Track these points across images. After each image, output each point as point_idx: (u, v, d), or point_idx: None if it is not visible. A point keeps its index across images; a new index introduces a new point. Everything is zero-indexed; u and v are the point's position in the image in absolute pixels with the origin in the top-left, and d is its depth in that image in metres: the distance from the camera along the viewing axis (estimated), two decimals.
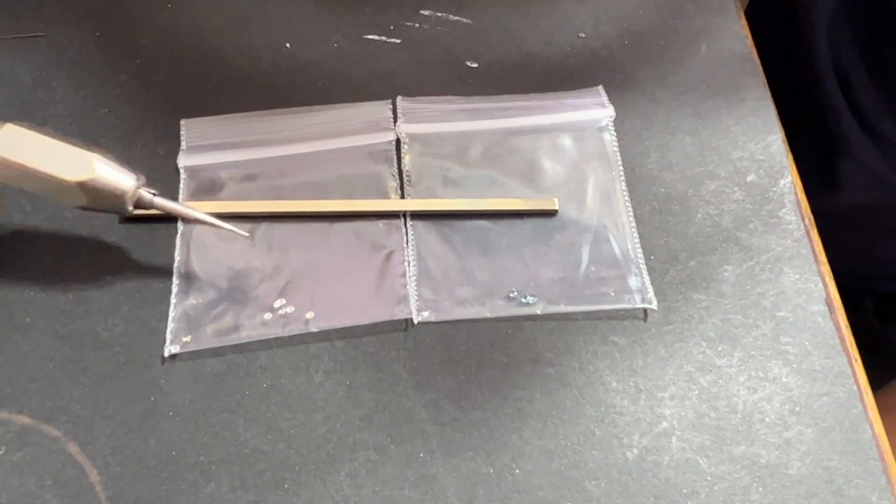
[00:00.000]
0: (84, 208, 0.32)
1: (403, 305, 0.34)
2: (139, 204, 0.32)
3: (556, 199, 0.37)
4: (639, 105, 0.41)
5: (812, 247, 0.36)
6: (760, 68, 0.42)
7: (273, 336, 0.34)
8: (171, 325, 0.34)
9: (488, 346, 0.34)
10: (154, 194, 0.33)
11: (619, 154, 0.39)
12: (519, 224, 0.37)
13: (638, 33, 0.43)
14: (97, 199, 0.31)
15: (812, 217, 0.38)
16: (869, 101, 0.49)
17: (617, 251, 0.36)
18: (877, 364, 0.40)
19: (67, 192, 0.31)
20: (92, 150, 0.32)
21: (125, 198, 0.32)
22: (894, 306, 0.58)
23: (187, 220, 0.33)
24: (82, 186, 0.31)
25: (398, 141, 0.39)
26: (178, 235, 0.36)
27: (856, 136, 0.50)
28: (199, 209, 0.36)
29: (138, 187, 0.32)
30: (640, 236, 0.36)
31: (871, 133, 0.49)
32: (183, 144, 0.39)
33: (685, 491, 0.31)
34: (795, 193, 0.38)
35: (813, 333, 0.34)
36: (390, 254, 0.36)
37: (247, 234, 0.33)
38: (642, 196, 0.38)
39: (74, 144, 0.32)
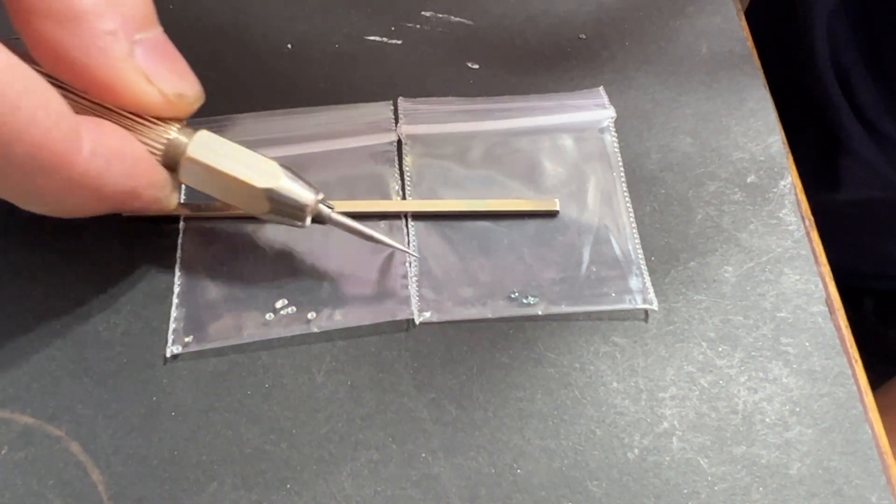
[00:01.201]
0: (265, 217, 0.33)
1: (405, 306, 0.34)
2: (317, 218, 0.33)
3: (556, 200, 0.37)
4: (639, 106, 0.41)
5: (812, 248, 0.37)
6: (761, 69, 0.43)
7: (275, 336, 0.34)
8: (172, 325, 0.34)
9: (490, 346, 0.34)
10: (332, 209, 0.33)
11: (619, 155, 0.39)
12: (520, 225, 0.37)
13: (639, 34, 0.44)
14: (279, 208, 0.32)
15: (812, 218, 0.38)
16: (868, 99, 0.50)
17: (618, 252, 0.36)
18: (875, 364, 0.40)
19: (253, 199, 0.32)
20: (275, 161, 0.32)
21: (306, 210, 0.32)
22: (893, 306, 0.59)
23: (366, 239, 0.34)
24: (268, 194, 0.31)
25: (399, 142, 0.39)
26: (181, 235, 0.36)
27: (855, 134, 0.50)
28: (194, 211, 0.37)
29: (318, 201, 0.33)
30: (641, 237, 0.37)
31: (870, 130, 0.50)
32: None
33: (686, 491, 0.31)
34: (796, 194, 0.38)
35: (813, 334, 0.34)
36: (392, 254, 0.36)
37: (416, 256, 0.34)
38: (643, 197, 0.38)
39: (257, 153, 0.32)
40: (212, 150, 0.31)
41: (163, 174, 0.31)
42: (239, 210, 0.36)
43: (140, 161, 0.29)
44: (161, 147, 0.31)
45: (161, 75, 0.29)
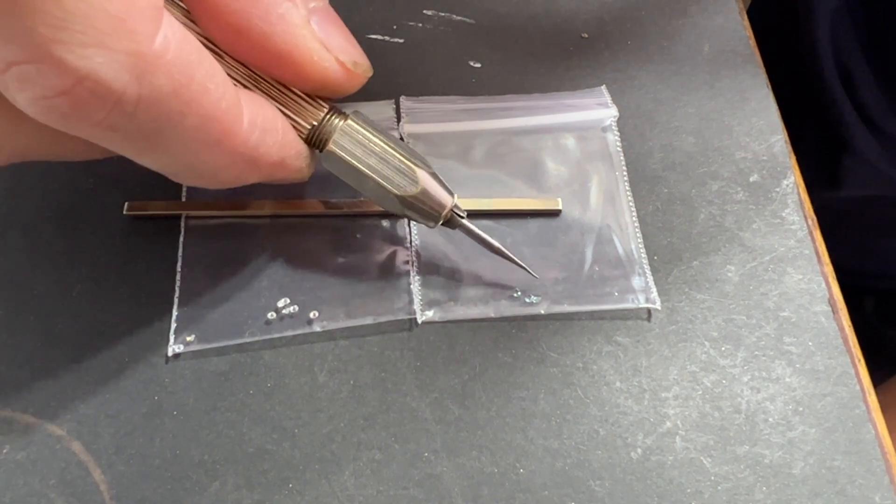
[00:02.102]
0: (396, 215, 0.33)
1: (407, 305, 0.34)
2: (447, 222, 0.33)
3: (559, 200, 0.37)
4: (642, 105, 0.41)
5: (815, 247, 0.37)
6: (763, 69, 0.42)
7: (277, 335, 0.34)
8: (174, 324, 0.34)
9: (492, 345, 0.34)
10: (461, 216, 0.33)
11: (622, 154, 0.39)
12: (522, 224, 0.37)
13: (641, 34, 0.44)
14: (414, 209, 0.32)
15: (815, 217, 0.38)
16: (871, 98, 0.49)
17: (620, 251, 0.36)
18: (875, 363, 0.40)
19: (388, 200, 0.32)
20: (418, 163, 0.32)
21: (440, 215, 0.32)
22: (894, 305, 0.59)
23: (491, 250, 0.34)
24: (402, 200, 0.31)
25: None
26: (182, 234, 0.36)
27: (858, 132, 0.50)
28: (196, 210, 0.37)
29: (452, 208, 0.33)
30: (644, 236, 0.37)
31: (873, 129, 0.50)
32: None
33: (689, 491, 0.31)
34: (798, 194, 0.38)
35: (816, 334, 0.34)
36: (394, 253, 0.36)
37: (537, 277, 0.35)
38: (645, 196, 0.38)
39: (402, 151, 0.32)
40: (356, 143, 0.31)
41: (305, 145, 0.31)
42: (242, 210, 0.36)
43: (289, 132, 0.29)
44: (308, 127, 0.30)
45: (337, 43, 0.29)
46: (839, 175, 0.51)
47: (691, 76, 0.42)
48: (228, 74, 0.28)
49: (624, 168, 0.38)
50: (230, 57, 0.28)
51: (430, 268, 0.35)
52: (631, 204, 0.37)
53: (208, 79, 0.24)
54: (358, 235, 0.36)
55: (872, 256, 0.56)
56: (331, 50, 0.28)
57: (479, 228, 0.34)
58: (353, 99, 0.40)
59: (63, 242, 0.36)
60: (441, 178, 0.32)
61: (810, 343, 0.34)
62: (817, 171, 0.53)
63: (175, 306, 0.34)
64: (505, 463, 0.31)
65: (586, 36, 0.43)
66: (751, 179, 0.38)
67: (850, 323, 0.35)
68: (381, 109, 0.40)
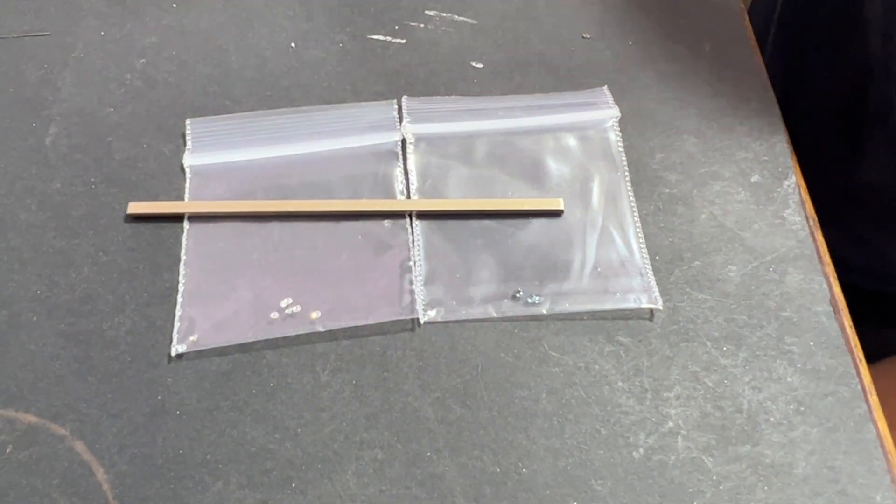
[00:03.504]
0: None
1: (410, 305, 0.34)
2: None
3: (561, 200, 0.37)
4: (643, 105, 0.41)
5: (816, 247, 0.37)
6: (764, 69, 0.43)
7: (279, 335, 0.34)
8: (177, 324, 0.34)
9: (494, 345, 0.34)
10: None
11: (623, 154, 0.39)
12: (524, 224, 0.37)
13: (642, 34, 0.44)
14: None
15: (816, 217, 0.38)
16: None
17: (622, 251, 0.36)
18: None
19: None
20: None
21: None
22: (875, 308, 0.58)
23: None
24: None
25: (403, 141, 0.39)
26: (185, 234, 0.36)
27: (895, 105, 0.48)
28: (198, 210, 0.37)
29: None
30: (645, 236, 0.37)
31: None
32: (188, 143, 0.39)
33: (691, 490, 0.31)
34: (800, 194, 0.38)
35: (817, 333, 0.34)
36: (396, 253, 0.36)
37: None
38: (647, 196, 0.38)
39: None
40: None
41: None
42: (245, 210, 0.37)
43: None
44: None
45: None
46: (864, 149, 0.49)
47: (693, 76, 0.42)
48: None
49: (626, 168, 0.39)
50: None
51: (433, 268, 0.35)
52: (633, 204, 0.37)
53: None
54: (360, 236, 0.36)
55: (873, 256, 0.55)
56: None
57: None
58: (355, 99, 0.41)
59: (66, 243, 0.36)
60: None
61: (811, 343, 0.34)
62: (842, 139, 0.51)
63: (178, 306, 0.34)
64: (507, 462, 0.31)
65: (588, 36, 0.43)
66: (752, 179, 0.39)
67: (851, 322, 0.35)
68: (383, 109, 0.40)
